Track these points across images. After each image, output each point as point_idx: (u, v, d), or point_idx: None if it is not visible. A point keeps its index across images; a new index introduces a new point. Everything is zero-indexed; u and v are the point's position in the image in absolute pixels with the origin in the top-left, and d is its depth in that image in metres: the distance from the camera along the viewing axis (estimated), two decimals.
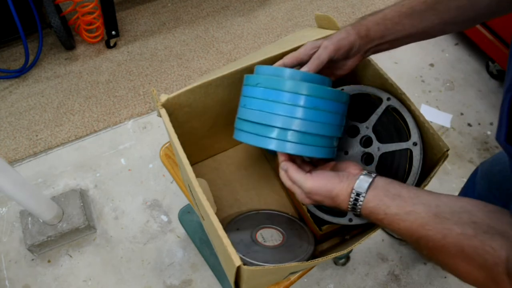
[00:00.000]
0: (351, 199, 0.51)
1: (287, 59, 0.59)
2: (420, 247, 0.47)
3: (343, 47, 0.57)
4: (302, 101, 0.51)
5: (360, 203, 0.50)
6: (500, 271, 0.40)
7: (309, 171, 0.54)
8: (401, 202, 0.48)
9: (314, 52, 0.58)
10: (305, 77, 0.54)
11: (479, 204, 0.45)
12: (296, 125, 0.51)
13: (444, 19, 0.57)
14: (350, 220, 0.60)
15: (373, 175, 0.51)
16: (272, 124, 0.52)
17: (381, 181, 0.51)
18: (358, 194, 0.50)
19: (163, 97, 0.62)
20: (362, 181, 0.50)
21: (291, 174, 0.54)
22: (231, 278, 0.54)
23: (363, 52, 0.59)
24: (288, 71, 0.54)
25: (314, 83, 0.53)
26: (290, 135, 0.52)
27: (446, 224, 0.44)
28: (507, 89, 0.41)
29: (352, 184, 0.51)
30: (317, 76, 0.55)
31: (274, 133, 0.52)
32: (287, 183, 0.56)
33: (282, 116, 0.51)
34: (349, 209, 0.52)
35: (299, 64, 0.59)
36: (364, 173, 0.52)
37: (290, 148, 0.52)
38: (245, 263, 0.48)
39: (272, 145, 0.52)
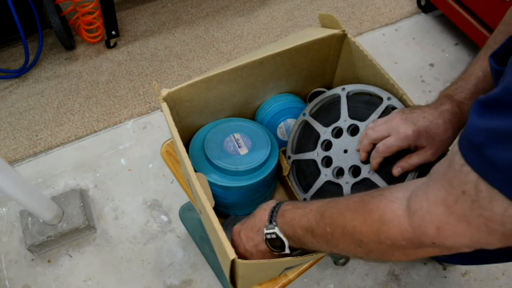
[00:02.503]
0: (270, 212, 0.56)
1: (385, 153, 0.60)
2: (324, 222, 0.48)
3: None
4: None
5: (276, 210, 0.55)
6: (396, 207, 0.39)
7: None
8: (310, 201, 0.56)
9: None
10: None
11: None
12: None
13: None
14: None
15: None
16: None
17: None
18: (275, 207, 0.57)
19: (164, 91, 0.63)
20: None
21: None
22: (227, 272, 0.55)
23: None
24: None
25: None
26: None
27: (350, 196, 0.48)
28: None
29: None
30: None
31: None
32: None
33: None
34: (267, 218, 0.56)
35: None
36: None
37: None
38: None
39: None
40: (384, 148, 0.59)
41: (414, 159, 0.58)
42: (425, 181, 0.38)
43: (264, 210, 0.57)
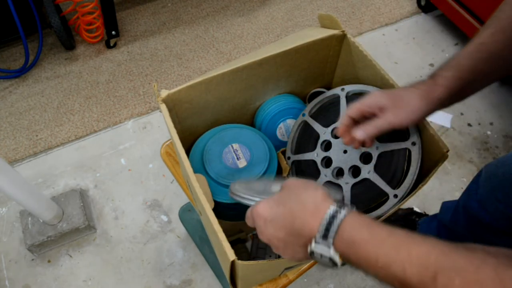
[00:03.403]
0: (328, 212, 0.39)
1: (351, 112, 0.58)
2: None
3: (409, 123, 0.55)
4: None
5: (336, 226, 0.39)
6: None
7: None
8: (397, 231, 0.37)
9: (373, 112, 0.56)
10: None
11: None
12: None
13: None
14: None
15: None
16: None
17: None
18: (333, 216, 0.39)
19: (164, 93, 0.63)
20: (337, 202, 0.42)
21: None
22: (227, 274, 0.55)
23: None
24: None
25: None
26: None
27: (476, 253, 0.33)
28: None
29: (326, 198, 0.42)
30: None
31: None
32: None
33: None
34: (318, 228, 0.39)
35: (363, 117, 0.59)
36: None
37: None
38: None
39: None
40: (348, 110, 0.58)
41: (377, 121, 0.56)
42: None
43: (311, 215, 0.41)
